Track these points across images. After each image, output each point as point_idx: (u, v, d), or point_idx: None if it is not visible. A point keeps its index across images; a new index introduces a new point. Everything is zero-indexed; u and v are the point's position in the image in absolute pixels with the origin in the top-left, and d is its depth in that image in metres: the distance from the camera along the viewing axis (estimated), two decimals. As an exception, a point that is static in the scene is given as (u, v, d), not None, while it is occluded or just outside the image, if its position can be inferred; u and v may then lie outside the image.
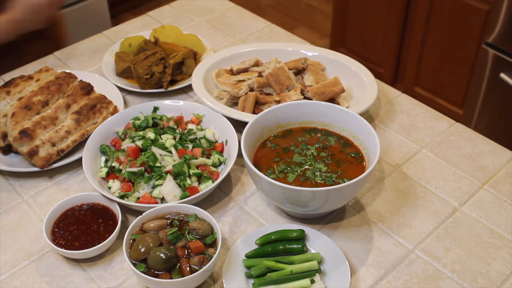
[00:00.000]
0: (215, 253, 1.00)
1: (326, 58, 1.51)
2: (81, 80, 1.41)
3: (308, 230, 1.10)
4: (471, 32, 2.44)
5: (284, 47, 1.55)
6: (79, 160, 1.25)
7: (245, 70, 1.49)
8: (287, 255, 1.07)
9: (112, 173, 1.23)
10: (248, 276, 1.04)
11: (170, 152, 1.23)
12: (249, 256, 1.07)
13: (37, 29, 1.58)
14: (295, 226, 1.11)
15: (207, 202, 1.21)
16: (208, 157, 1.26)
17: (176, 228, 1.05)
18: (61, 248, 1.08)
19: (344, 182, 1.11)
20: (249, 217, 1.18)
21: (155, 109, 1.36)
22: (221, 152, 1.28)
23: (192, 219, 1.07)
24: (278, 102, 1.36)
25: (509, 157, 1.30)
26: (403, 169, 1.28)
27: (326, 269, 1.05)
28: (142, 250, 1.00)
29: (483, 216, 1.17)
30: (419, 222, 1.16)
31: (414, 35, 2.72)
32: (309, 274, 1.02)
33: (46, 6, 1.52)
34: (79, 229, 1.12)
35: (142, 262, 1.00)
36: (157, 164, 1.20)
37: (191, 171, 1.20)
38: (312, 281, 1.01)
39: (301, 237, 1.09)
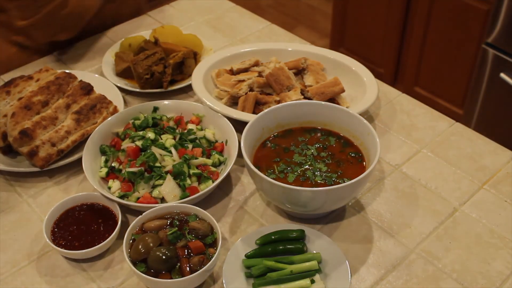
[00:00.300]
0: (215, 253, 1.00)
1: (326, 58, 1.51)
2: (81, 80, 1.41)
3: (308, 230, 1.10)
4: (471, 32, 2.44)
5: (284, 47, 1.55)
6: (79, 160, 1.25)
7: (245, 70, 1.49)
8: (287, 255, 1.07)
9: (112, 173, 1.23)
10: (248, 276, 1.04)
11: (170, 152, 1.23)
12: (249, 256, 1.07)
13: None
14: (295, 226, 1.11)
15: (207, 202, 1.21)
16: (208, 157, 1.26)
17: (176, 228, 1.05)
18: (61, 248, 1.08)
19: (344, 182, 1.11)
20: (249, 217, 1.18)
21: (155, 109, 1.36)
22: (221, 152, 1.28)
23: (192, 219, 1.07)
24: (278, 102, 1.36)
25: (509, 157, 1.30)
26: (403, 169, 1.28)
27: (326, 269, 1.05)
28: (142, 250, 1.00)
29: (483, 216, 1.17)
30: (419, 222, 1.16)
31: (414, 35, 2.72)
32: (309, 274, 1.02)
33: None
34: (79, 229, 1.12)
35: (142, 262, 1.00)
36: (157, 164, 1.20)
37: (191, 171, 1.20)
38: (312, 281, 1.01)
39: (301, 237, 1.09)
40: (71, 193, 1.24)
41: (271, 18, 1.92)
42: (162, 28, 1.64)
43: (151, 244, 1.01)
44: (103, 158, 1.27)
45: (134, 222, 1.06)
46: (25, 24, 1.56)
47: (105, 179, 1.23)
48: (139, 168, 1.19)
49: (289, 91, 1.39)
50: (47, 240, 1.08)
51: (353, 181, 1.04)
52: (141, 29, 1.76)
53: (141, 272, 0.98)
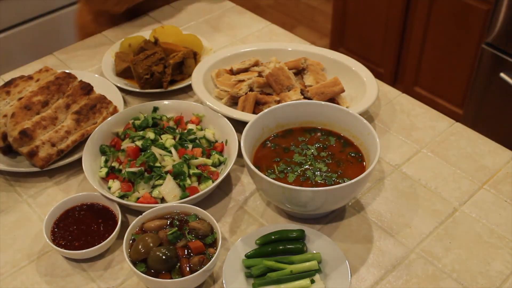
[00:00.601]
0: (215, 253, 1.00)
1: (326, 58, 1.51)
2: (81, 80, 1.41)
3: (308, 230, 1.10)
4: (471, 32, 2.44)
5: (284, 47, 1.55)
6: (79, 160, 1.25)
7: (245, 70, 1.49)
8: (287, 255, 1.07)
9: (112, 173, 1.23)
10: (248, 276, 1.04)
11: (170, 152, 1.23)
12: (249, 256, 1.07)
13: None
14: (295, 226, 1.11)
15: (207, 202, 1.21)
16: (208, 157, 1.26)
17: (176, 228, 1.05)
18: (61, 248, 1.08)
19: (344, 182, 1.11)
20: (249, 217, 1.18)
21: (155, 109, 1.36)
22: (221, 152, 1.28)
23: (192, 219, 1.07)
24: (278, 102, 1.36)
25: (509, 157, 1.30)
26: (403, 169, 1.28)
27: (326, 269, 1.05)
28: (142, 250, 1.00)
29: (483, 216, 1.17)
30: (419, 222, 1.16)
31: (414, 35, 2.72)
32: (309, 274, 1.02)
33: None
34: (79, 229, 1.12)
35: (142, 262, 1.00)
36: (157, 164, 1.20)
37: (191, 171, 1.20)
38: (312, 281, 1.01)
39: (301, 237, 1.09)
40: (71, 193, 1.24)
41: (271, 18, 1.92)
42: (162, 28, 1.64)
43: (151, 244, 1.01)
44: (103, 158, 1.27)
45: (134, 222, 1.06)
46: None
47: (105, 179, 1.23)
48: (139, 168, 1.19)
49: (289, 91, 1.39)
50: (47, 240, 1.08)
51: (353, 181, 1.04)
52: (141, 29, 1.77)
53: (141, 272, 0.98)
